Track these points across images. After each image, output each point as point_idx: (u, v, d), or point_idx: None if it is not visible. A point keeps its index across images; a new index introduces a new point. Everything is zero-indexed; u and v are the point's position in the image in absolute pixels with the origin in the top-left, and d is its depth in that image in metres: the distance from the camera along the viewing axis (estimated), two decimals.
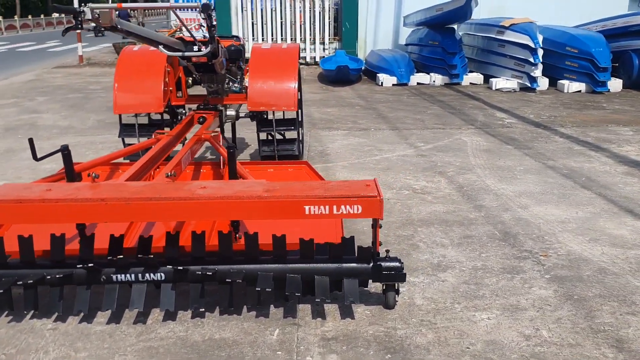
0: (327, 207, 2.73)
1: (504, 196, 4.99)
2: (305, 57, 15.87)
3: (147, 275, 2.96)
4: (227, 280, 2.94)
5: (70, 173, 3.21)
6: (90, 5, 3.26)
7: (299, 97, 5.97)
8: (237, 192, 2.75)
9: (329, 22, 16.02)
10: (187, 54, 4.17)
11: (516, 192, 5.11)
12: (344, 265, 3.02)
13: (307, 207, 2.72)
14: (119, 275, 2.96)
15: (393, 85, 11.85)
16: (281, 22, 15.76)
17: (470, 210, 4.67)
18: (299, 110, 5.34)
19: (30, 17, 38.61)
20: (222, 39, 5.64)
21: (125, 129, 5.05)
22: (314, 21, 15.73)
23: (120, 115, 5.04)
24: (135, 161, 3.63)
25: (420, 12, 13.03)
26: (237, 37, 5.88)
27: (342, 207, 2.73)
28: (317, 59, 15.12)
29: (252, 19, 15.83)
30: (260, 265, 2.99)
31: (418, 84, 11.94)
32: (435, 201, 4.89)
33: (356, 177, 5.59)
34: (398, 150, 6.64)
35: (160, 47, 3.98)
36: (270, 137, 5.22)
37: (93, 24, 3.30)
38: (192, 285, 2.98)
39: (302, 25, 15.60)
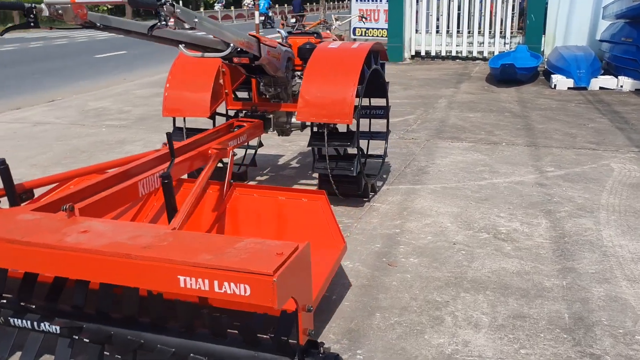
0: (205, 281, 1.99)
1: (613, 258, 3.64)
2: (482, 52, 14.44)
3: (42, 324, 2.50)
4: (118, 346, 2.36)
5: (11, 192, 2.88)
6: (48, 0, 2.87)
7: (386, 104, 5.14)
8: (102, 246, 2.13)
9: (513, 13, 14.36)
10: (206, 54, 3.63)
11: (637, 254, 3.71)
12: (261, 355, 2.24)
13: (181, 278, 2.01)
14: (17, 320, 2.54)
15: (568, 88, 10.08)
16: (458, 14, 14.50)
17: (552, 274, 3.46)
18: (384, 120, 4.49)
19: None
20: (300, 35, 5.03)
21: (176, 132, 4.70)
22: (496, 12, 14.21)
23: (173, 118, 4.69)
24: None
25: (618, 2, 10.93)
26: (317, 33, 5.19)
27: (225, 284, 1.97)
28: (497, 54, 13.61)
29: (428, 9, 14.82)
30: (160, 335, 2.35)
31: (600, 88, 10.00)
32: (513, 254, 3.73)
33: (437, 207, 4.60)
34: (515, 175, 5.40)
35: (181, 46, 3.49)
36: (333, 153, 4.48)
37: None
38: (91, 345, 2.45)
39: (493, 16, 14.17)
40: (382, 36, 15.34)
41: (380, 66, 4.84)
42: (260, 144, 5.73)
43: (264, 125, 4.50)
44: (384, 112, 5.23)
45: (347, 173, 4.38)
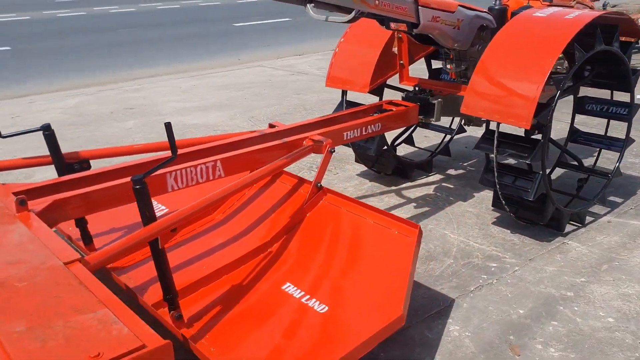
0: None
1: None
2: None
3: None
4: None
5: (58, 160, 2.64)
6: None
7: (631, 100, 3.58)
8: None
9: None
10: (330, 18, 2.85)
11: None
12: None
13: None
14: None
15: None
16: None
17: None
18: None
19: None
20: None
21: (348, 106, 3.98)
22: None
23: (342, 91, 3.99)
24: None
25: None
26: None
27: None
28: None
29: None
30: None
31: None
32: None
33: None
34: None
35: (309, 5, 2.80)
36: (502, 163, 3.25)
37: None
38: None
39: None
40: None
41: (621, 47, 3.31)
42: (462, 129, 4.63)
43: (426, 112, 3.49)
44: (627, 112, 3.65)
45: (521, 195, 3.13)
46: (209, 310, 2.34)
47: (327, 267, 2.49)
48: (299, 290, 2.38)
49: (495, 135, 3.08)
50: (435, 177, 4.36)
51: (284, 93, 7.28)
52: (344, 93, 3.95)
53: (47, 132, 2.61)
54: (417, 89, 3.61)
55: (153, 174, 2.38)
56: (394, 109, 3.36)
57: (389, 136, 4.40)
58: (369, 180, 4.31)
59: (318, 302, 2.30)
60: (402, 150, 4.74)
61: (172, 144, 2.09)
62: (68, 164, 2.69)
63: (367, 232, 2.54)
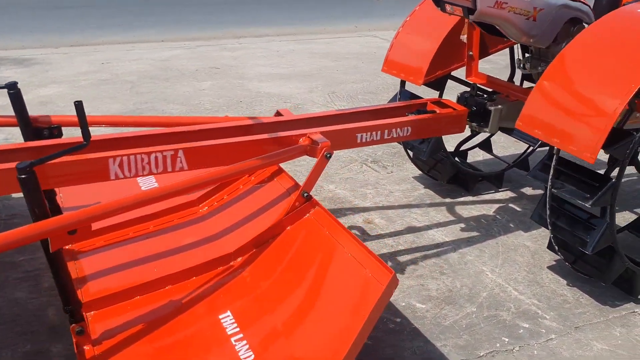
0: None
1: None
2: None
3: None
4: None
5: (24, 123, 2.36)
6: None
7: None
8: None
9: None
10: None
11: None
12: None
13: None
14: None
15: None
16: None
17: None
18: None
19: None
20: None
21: (405, 95, 3.37)
22: None
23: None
24: None
25: None
26: None
27: None
28: None
29: None
30: None
31: None
32: None
33: None
34: None
35: None
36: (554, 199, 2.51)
37: None
38: None
39: None
40: None
41: None
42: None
43: (481, 119, 2.82)
44: None
45: (576, 245, 2.42)
46: (127, 327, 1.97)
47: (279, 301, 2.02)
48: (234, 325, 1.95)
49: (553, 163, 2.38)
50: (504, 194, 3.65)
51: (380, 68, 6.68)
52: (403, 83, 3.35)
53: (12, 90, 2.33)
54: (474, 89, 2.93)
55: (88, 157, 2.04)
56: (437, 111, 2.73)
57: (454, 138, 3.76)
58: (423, 186, 3.70)
59: (247, 347, 1.85)
60: (475, 156, 4.05)
61: (84, 127, 1.71)
62: (36, 128, 2.42)
63: (339, 264, 2.03)
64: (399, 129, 2.53)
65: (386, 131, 2.51)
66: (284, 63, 6.81)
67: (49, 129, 2.45)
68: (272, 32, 8.83)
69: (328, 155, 2.28)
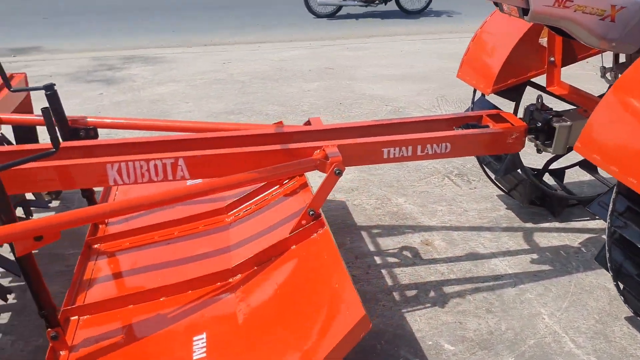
0: None
1: None
2: None
3: None
4: None
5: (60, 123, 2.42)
6: None
7: None
8: None
9: None
10: None
11: None
12: None
13: None
14: None
15: None
16: None
17: None
18: None
19: None
20: None
21: (482, 102, 3.00)
22: None
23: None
24: None
25: None
26: None
27: None
28: None
29: None
30: None
31: None
32: None
33: None
34: None
35: None
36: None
37: None
38: None
39: None
40: None
41: None
42: None
43: (545, 137, 2.39)
44: None
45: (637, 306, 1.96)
46: (108, 336, 1.95)
47: (256, 327, 1.87)
48: (203, 350, 1.84)
49: (612, 196, 1.94)
50: (598, 223, 3.11)
51: None
52: (475, 91, 3.01)
53: (49, 92, 2.42)
54: (540, 101, 2.49)
55: (86, 162, 2.04)
56: (490, 126, 2.37)
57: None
58: (505, 207, 3.29)
59: None
60: (574, 176, 3.53)
61: (53, 134, 1.69)
62: (73, 128, 2.50)
63: (323, 295, 1.83)
64: (435, 145, 2.23)
65: (419, 147, 2.23)
66: (403, 64, 6.55)
67: (85, 129, 2.53)
68: (402, 31, 8.57)
69: (337, 172, 2.08)
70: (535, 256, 2.82)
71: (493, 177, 3.20)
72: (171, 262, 2.35)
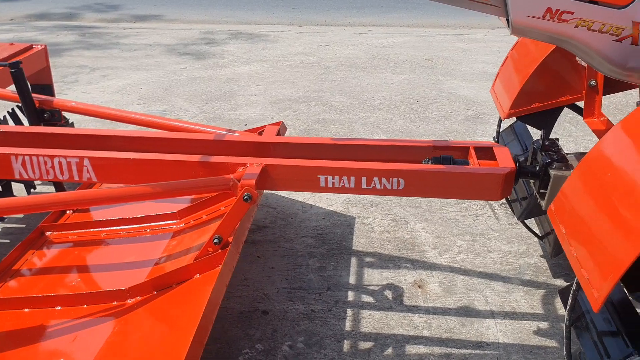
0: None
1: None
2: None
3: None
4: None
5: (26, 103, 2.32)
6: None
7: None
8: None
9: None
10: None
11: None
12: None
13: None
14: None
15: None
16: None
17: None
18: None
19: None
20: None
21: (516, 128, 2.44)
22: None
23: None
24: None
25: None
26: None
27: None
28: None
29: None
30: None
31: None
32: None
33: None
34: None
35: None
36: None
37: None
38: None
39: None
40: None
41: None
42: None
43: (540, 184, 1.84)
44: None
45: None
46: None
47: None
48: None
49: (572, 287, 1.41)
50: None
51: None
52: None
53: (14, 69, 2.34)
54: (544, 137, 1.90)
55: None
56: (470, 163, 1.86)
57: None
58: (538, 255, 2.71)
59: None
60: None
61: None
62: (39, 109, 2.41)
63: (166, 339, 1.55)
64: (384, 179, 1.80)
65: (364, 179, 1.81)
66: None
67: (51, 112, 2.43)
68: None
69: (246, 198, 1.75)
70: (543, 326, 2.26)
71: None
72: (99, 266, 2.19)
